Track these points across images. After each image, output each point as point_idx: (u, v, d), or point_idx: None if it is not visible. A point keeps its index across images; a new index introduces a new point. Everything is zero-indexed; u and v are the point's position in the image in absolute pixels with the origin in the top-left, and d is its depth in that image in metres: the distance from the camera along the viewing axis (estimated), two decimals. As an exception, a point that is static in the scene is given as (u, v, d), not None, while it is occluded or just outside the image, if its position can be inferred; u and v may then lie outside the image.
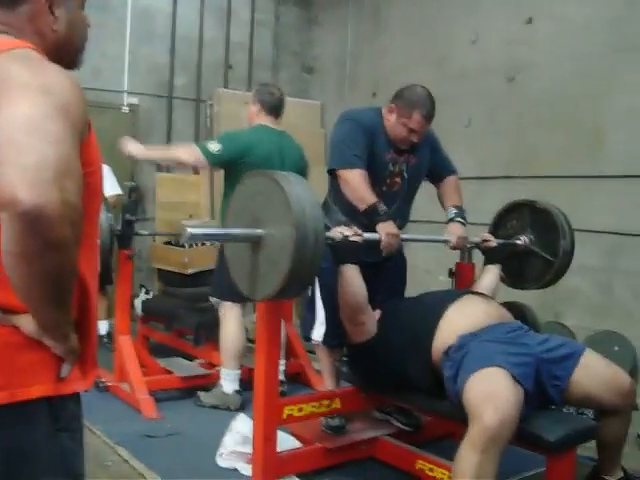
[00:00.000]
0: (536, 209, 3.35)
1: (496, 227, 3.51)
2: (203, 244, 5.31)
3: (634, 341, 4.56)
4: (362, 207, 3.04)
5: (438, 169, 3.47)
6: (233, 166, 3.86)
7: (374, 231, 3.00)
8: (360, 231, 2.83)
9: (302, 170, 4.15)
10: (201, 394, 4.05)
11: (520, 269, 3.41)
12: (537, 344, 2.64)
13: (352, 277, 2.82)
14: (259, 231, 2.43)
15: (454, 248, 3.29)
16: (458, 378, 2.44)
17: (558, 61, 5.07)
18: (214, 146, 3.81)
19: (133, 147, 3.93)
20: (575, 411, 3.70)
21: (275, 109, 4.06)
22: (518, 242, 3.36)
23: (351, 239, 2.79)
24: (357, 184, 3.06)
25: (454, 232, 3.26)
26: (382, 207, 3.01)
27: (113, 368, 4.26)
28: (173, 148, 4.12)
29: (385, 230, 2.96)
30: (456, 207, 3.36)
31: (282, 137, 4.06)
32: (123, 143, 3.90)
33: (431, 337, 2.71)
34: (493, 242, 3.26)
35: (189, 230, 2.36)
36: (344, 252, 2.81)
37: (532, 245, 3.34)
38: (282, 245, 2.33)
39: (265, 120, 4.04)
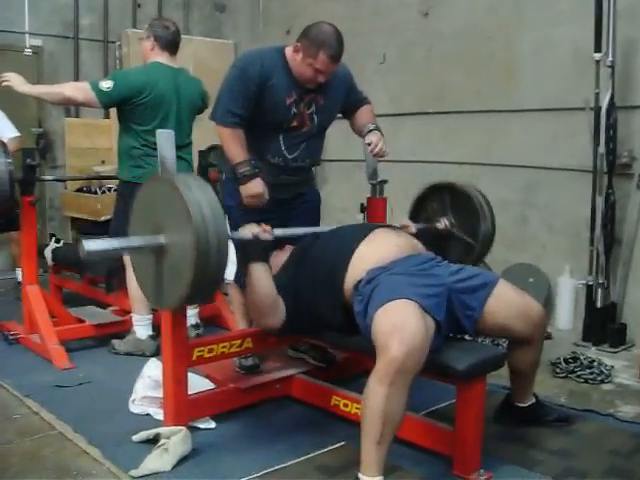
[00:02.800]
0: (455, 191, 3.29)
1: (416, 210, 3.44)
2: (115, 190, 5.15)
3: (548, 272, 4.65)
4: (232, 163, 3.06)
5: (353, 104, 3.39)
6: (126, 106, 3.72)
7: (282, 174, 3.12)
8: (270, 229, 2.75)
9: (200, 108, 4.04)
10: (115, 342, 3.96)
11: (442, 252, 3.34)
12: (449, 274, 2.62)
13: (261, 276, 2.71)
14: (161, 240, 2.38)
15: (376, 154, 3.22)
16: (367, 312, 2.42)
17: (471, -5, 5.04)
18: (105, 83, 3.64)
19: (15, 80, 3.74)
20: (490, 342, 3.75)
21: (170, 44, 3.86)
22: (438, 226, 3.29)
23: (262, 238, 2.71)
24: (226, 142, 3.07)
25: (372, 138, 3.21)
26: (245, 168, 3.01)
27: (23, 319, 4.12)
28: (64, 84, 3.91)
29: (245, 192, 3.04)
30: (372, 123, 3.30)
31: (178, 74, 3.89)
32: (6, 76, 3.74)
33: (342, 274, 2.66)
34: (412, 228, 3.17)
35: (85, 246, 2.25)
36: (253, 251, 2.73)
37: (452, 228, 3.29)
38: (184, 255, 2.28)
39: (160, 57, 3.85)
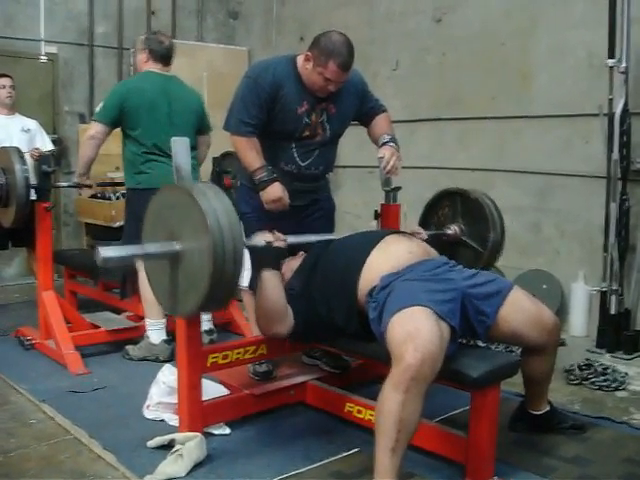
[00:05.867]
0: (467, 198, 3.31)
1: (428, 216, 3.46)
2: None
3: (562, 278, 4.63)
4: (249, 171, 3.08)
5: (369, 112, 3.38)
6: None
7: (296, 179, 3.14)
8: (283, 236, 2.79)
9: (195, 114, 4.08)
10: (129, 347, 3.98)
11: (451, 257, 3.36)
12: (463, 279, 2.61)
13: (272, 284, 2.71)
14: (176, 247, 2.39)
15: (388, 172, 3.20)
16: (382, 319, 2.41)
17: (484, 0, 5.03)
18: (99, 107, 3.86)
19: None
20: (504, 349, 3.75)
21: (163, 57, 4.00)
22: (449, 232, 3.32)
23: (275, 245, 2.74)
24: (242, 151, 3.08)
25: (386, 153, 3.20)
26: (262, 174, 3.02)
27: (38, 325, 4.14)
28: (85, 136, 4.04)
29: (265, 197, 3.05)
30: (388, 134, 3.29)
31: (169, 81, 4.00)
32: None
33: (356, 281, 2.66)
34: (424, 234, 3.18)
35: (102, 253, 2.28)
36: (266, 258, 2.75)
37: (462, 235, 3.31)
38: (200, 263, 2.30)
39: (153, 67, 3.99)
